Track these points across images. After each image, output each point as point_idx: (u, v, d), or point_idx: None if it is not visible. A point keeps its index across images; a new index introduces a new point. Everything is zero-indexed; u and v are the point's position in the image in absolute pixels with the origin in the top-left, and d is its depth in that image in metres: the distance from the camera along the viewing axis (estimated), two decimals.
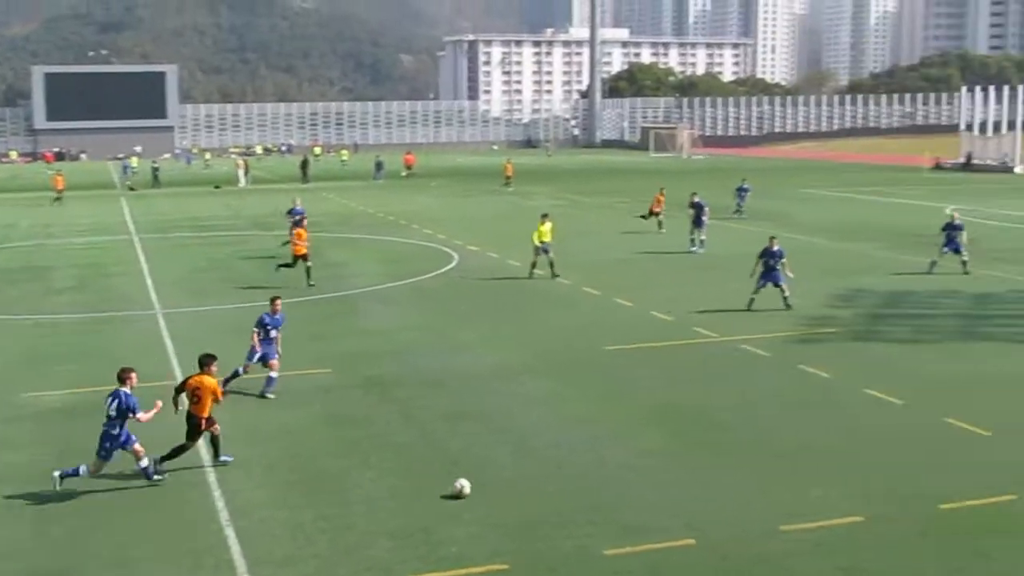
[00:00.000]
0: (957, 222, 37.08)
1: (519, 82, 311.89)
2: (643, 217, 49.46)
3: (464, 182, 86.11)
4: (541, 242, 35.40)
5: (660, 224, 48.34)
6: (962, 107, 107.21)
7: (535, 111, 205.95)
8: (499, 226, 52.10)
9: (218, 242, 47.46)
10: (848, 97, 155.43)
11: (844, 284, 34.08)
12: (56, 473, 15.99)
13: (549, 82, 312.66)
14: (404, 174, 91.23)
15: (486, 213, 59.30)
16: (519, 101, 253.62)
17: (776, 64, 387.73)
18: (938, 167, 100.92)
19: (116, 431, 16.06)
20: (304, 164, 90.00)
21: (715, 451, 17.59)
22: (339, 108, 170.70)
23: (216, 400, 16.89)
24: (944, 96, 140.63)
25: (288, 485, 16.25)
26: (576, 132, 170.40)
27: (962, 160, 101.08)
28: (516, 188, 75.86)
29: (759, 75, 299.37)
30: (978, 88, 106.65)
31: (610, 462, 17.07)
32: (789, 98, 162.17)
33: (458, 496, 15.38)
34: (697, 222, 42.56)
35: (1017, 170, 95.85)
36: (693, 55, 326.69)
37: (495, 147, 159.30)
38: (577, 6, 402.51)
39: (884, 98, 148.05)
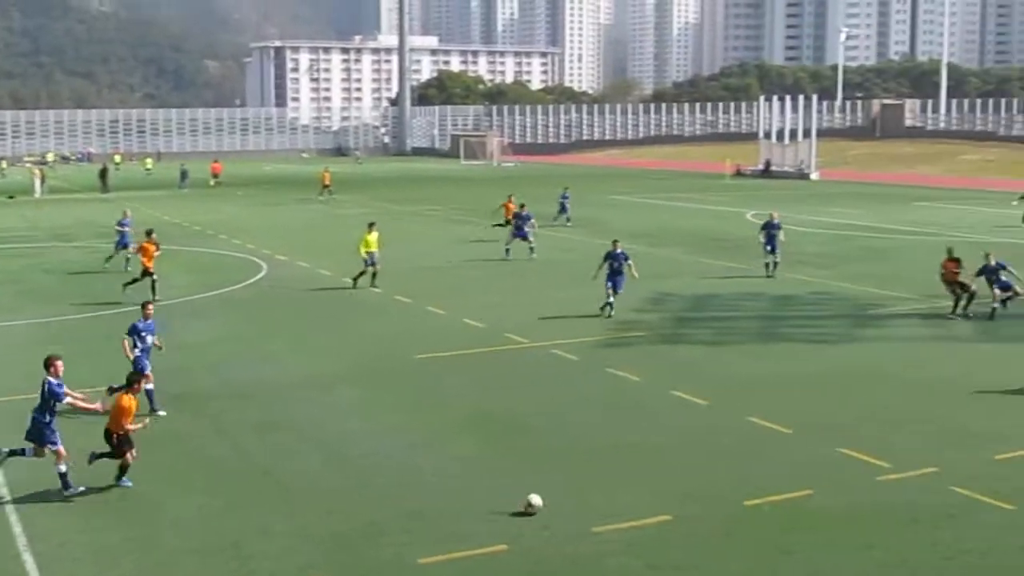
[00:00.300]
0: (776, 221, 38.65)
1: (328, 89, 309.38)
2: (498, 226, 48.82)
3: (273, 191, 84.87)
4: (368, 252, 35.03)
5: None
6: (760, 116, 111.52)
7: (345, 119, 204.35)
8: (309, 235, 51.60)
9: (14, 254, 45.57)
10: (653, 105, 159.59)
11: (652, 288, 34.91)
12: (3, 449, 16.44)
13: (359, 89, 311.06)
14: (212, 183, 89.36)
15: (296, 222, 58.59)
16: (328, 108, 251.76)
17: (583, 73, 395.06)
18: (739, 174, 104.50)
19: (46, 419, 16.20)
20: (103, 173, 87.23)
21: (527, 456, 17.80)
22: (141, 115, 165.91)
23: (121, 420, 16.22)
24: (744, 105, 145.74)
25: (91, 508, 15.69)
26: (387, 140, 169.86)
27: (761, 167, 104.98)
28: (327, 197, 75.15)
29: (567, 83, 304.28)
30: (775, 97, 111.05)
31: (424, 470, 17.08)
32: (596, 106, 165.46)
33: (529, 511, 15.02)
34: (519, 233, 42.92)
35: (813, 176, 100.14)
36: (502, 63, 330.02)
37: (304, 155, 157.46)
38: (386, 14, 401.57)
39: (687, 106, 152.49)
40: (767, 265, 38.15)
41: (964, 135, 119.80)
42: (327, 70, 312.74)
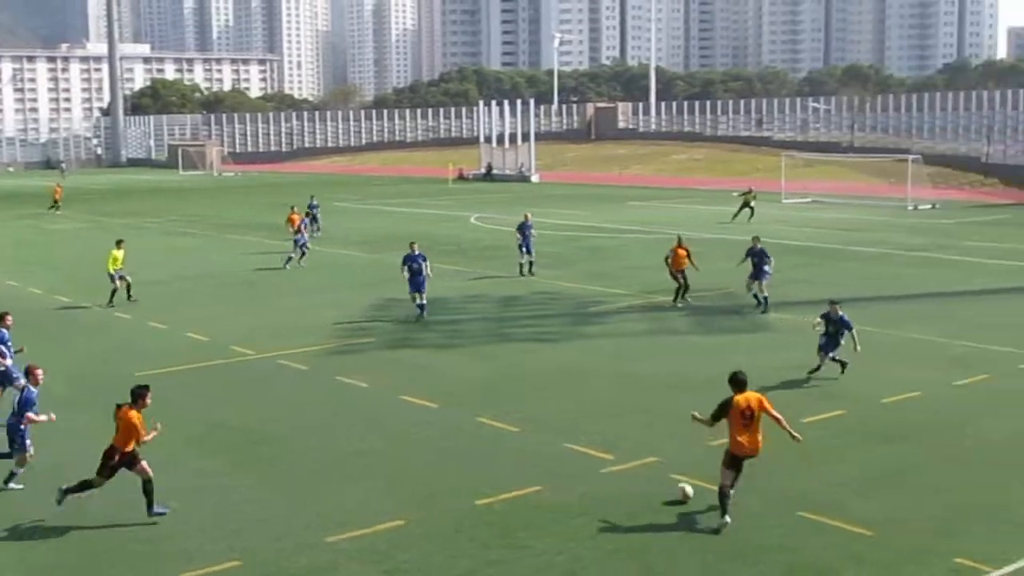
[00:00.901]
0: (529, 222, 40.08)
1: (34, 99, 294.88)
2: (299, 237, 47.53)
3: None
4: (115, 269, 33.65)
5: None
6: (480, 120, 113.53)
7: (53, 130, 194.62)
8: (18, 252, 49.02)
9: None
10: (374, 112, 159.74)
11: (379, 294, 35.04)
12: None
13: (67, 99, 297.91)
14: None
15: (2, 239, 55.49)
16: (35, 120, 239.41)
17: (303, 79, 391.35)
18: (462, 178, 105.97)
19: (22, 426, 16.63)
20: None
21: (259, 468, 17.49)
22: None
23: (138, 441, 15.27)
24: (464, 110, 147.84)
25: None
26: (100, 151, 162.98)
27: (483, 171, 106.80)
28: (36, 211, 71.51)
29: (287, 91, 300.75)
30: (494, 102, 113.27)
31: (157, 490, 16.49)
32: (317, 113, 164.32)
33: (684, 499, 15.48)
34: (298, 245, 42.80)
35: (534, 179, 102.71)
36: (219, 70, 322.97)
37: (11, 169, 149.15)
38: (94, 21, 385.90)
39: (408, 112, 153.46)
40: (522, 266, 39.30)
41: (673, 136, 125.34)
42: (32, 79, 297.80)
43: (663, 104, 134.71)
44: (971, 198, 78.09)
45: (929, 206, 68.83)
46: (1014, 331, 28.21)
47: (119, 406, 15.40)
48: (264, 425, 20.00)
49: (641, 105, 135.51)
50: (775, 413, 15.13)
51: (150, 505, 15.22)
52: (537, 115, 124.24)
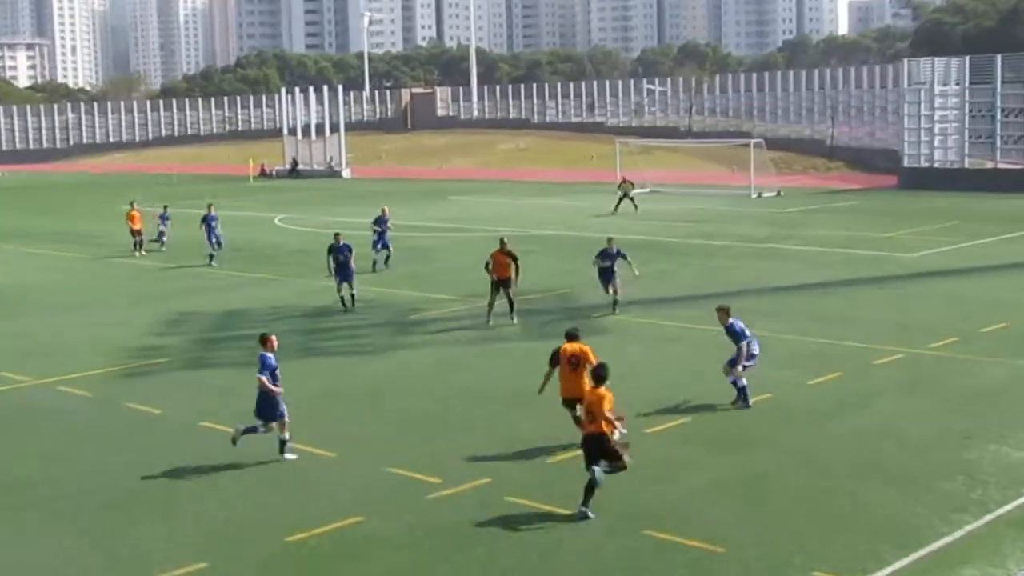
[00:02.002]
0: (386, 216, 42.00)
1: None
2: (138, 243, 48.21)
3: None
4: None
5: (138, 245, 48.07)
6: (283, 110, 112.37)
7: None
8: None
9: None
10: (162, 102, 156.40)
11: (170, 308, 34.39)
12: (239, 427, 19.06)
13: None
14: None
15: None
16: None
17: (79, 66, 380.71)
18: (264, 175, 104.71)
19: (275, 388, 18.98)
20: None
21: (38, 511, 16.84)
22: None
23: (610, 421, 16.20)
24: (264, 98, 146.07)
25: None
26: None
27: (288, 167, 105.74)
28: None
29: (60, 79, 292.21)
30: (297, 89, 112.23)
31: None
32: (96, 105, 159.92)
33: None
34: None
35: (345, 174, 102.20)
36: None
37: None
38: None
39: (201, 102, 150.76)
40: (375, 262, 40.91)
41: (498, 124, 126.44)
42: None
43: (485, 89, 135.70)
44: (816, 184, 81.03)
45: (773, 193, 71.07)
46: (864, 325, 29.29)
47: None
48: (43, 462, 19.29)
49: (462, 90, 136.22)
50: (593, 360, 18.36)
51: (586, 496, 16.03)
52: (347, 103, 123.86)
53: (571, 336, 19.43)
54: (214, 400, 23.25)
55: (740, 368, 21.36)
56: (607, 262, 31.53)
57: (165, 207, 51.96)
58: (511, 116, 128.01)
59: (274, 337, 19.62)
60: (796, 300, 33.86)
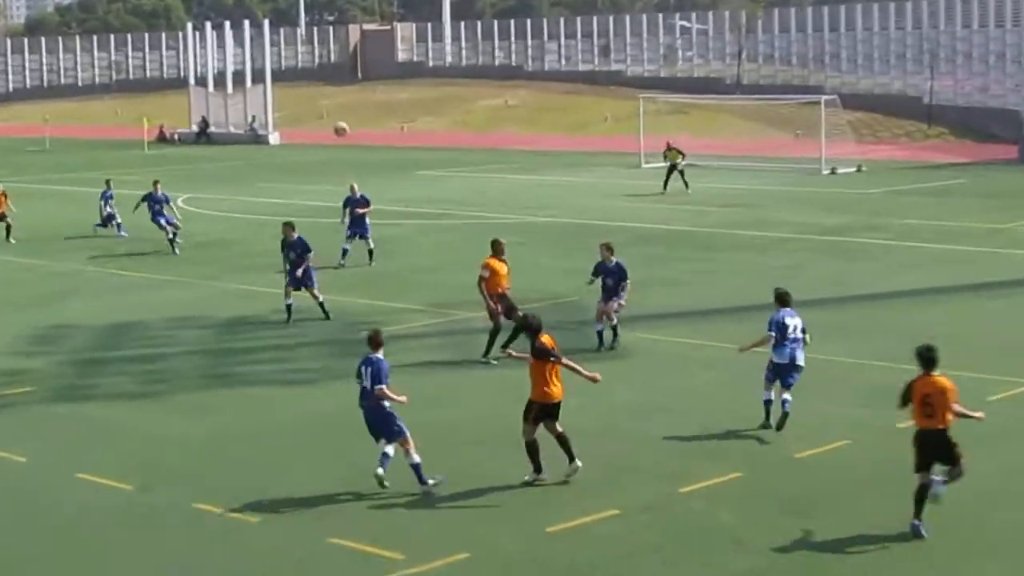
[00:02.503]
0: (359, 195, 42.82)
1: None
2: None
3: None
4: None
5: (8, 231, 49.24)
6: (189, 53, 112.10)
7: None
8: None
9: None
10: (27, 42, 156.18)
11: (34, 319, 34.39)
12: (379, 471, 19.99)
13: None
14: None
15: None
16: None
17: None
18: (164, 140, 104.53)
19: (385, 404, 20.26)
20: None
21: None
22: None
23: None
24: (164, 37, 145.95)
25: None
26: None
27: (196, 129, 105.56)
28: None
29: None
30: (209, 25, 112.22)
31: None
32: None
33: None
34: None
35: (272, 139, 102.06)
36: None
37: None
38: None
39: (79, 42, 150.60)
40: (345, 251, 42.05)
41: (478, 73, 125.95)
42: None
43: (463, 26, 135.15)
44: (909, 156, 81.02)
45: (852, 169, 70.97)
46: (972, 347, 29.05)
47: (910, 384, 18.42)
48: None
49: (430, 27, 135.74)
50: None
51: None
52: (275, 44, 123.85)
53: (534, 329, 20.88)
54: (93, 443, 23.19)
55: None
56: (608, 280, 30.20)
57: (108, 182, 52.20)
58: (496, 63, 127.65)
59: (381, 334, 21.04)
60: (880, 313, 33.84)
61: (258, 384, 27.60)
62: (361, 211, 42.23)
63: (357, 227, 42.25)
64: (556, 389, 20.39)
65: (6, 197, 50.04)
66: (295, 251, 33.80)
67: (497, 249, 29.94)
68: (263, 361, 29.89)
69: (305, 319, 33.79)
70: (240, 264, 42.92)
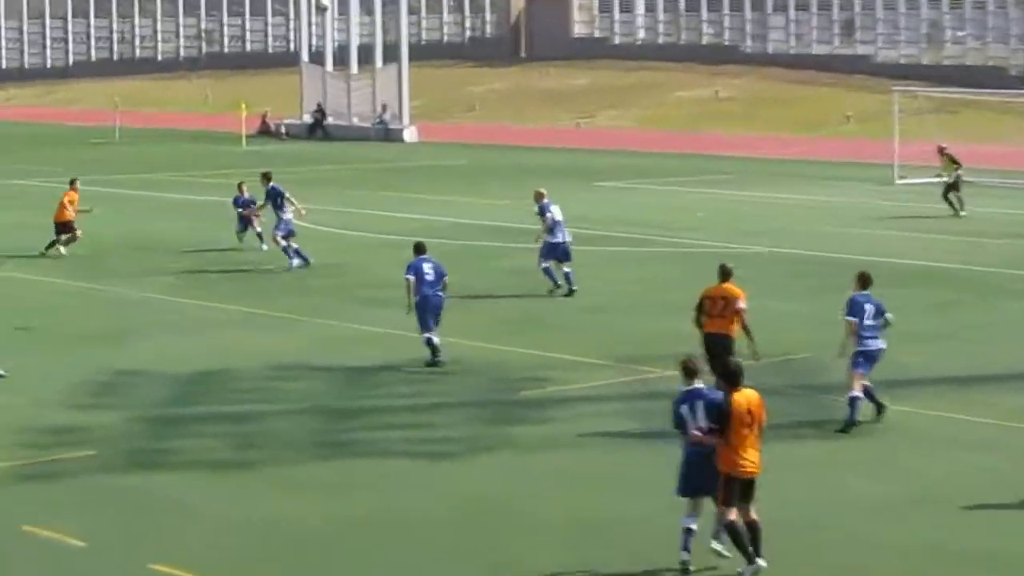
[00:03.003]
0: (546, 201, 44.24)
1: None
2: None
3: None
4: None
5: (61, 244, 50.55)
6: (303, 20, 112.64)
7: None
8: None
9: None
10: (92, 3, 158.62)
11: (100, 361, 34.69)
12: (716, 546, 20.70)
13: None
14: None
15: None
16: None
17: None
18: (268, 132, 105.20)
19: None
20: None
21: None
22: None
23: None
24: (271, 4, 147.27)
25: None
26: None
27: (309, 119, 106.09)
28: None
29: None
30: None
31: None
32: None
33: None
34: None
35: (408, 135, 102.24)
36: None
37: None
38: None
39: (160, 7, 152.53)
40: (546, 270, 43.00)
41: (679, 54, 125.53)
42: None
43: None
44: None
45: None
46: None
47: None
48: None
49: None
50: None
51: None
52: (414, 12, 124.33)
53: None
54: (173, 524, 23.36)
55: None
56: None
57: (241, 185, 53.18)
58: (703, 42, 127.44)
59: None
60: None
61: (384, 455, 27.55)
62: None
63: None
64: (750, 459, 20.60)
65: (71, 203, 51.07)
66: (432, 274, 34.73)
67: (724, 276, 30.93)
68: (391, 425, 29.89)
69: (447, 373, 33.80)
70: (360, 297, 43.11)
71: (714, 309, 30.27)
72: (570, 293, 42.88)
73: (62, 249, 49.93)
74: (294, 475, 26.28)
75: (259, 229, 49.97)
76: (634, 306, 41.48)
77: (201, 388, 32.76)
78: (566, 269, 43.03)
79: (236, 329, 39.14)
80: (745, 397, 20.68)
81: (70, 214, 50.65)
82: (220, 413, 30.62)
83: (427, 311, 34.20)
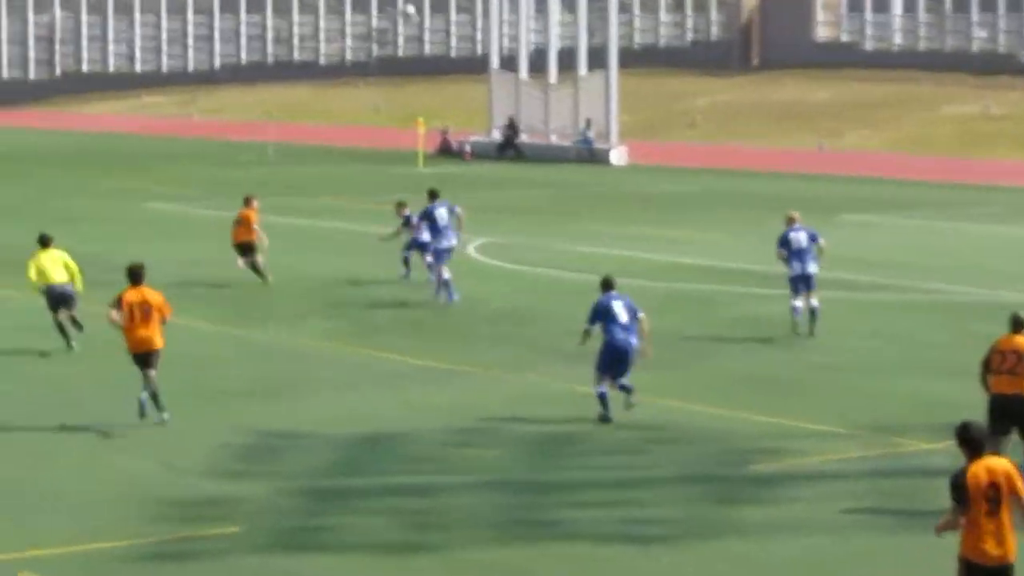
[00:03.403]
0: (799, 225, 45.82)
1: None
2: None
3: None
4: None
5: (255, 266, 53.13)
6: (493, 19, 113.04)
7: None
8: None
9: None
10: (244, 2, 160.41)
11: (252, 421, 34.97)
12: None
13: None
14: None
15: None
16: None
17: None
18: (447, 152, 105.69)
19: None
20: None
21: None
22: None
23: None
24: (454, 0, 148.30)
25: None
26: None
27: (498, 136, 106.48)
28: None
29: None
30: None
31: None
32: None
33: None
34: None
35: (615, 157, 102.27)
36: None
37: None
38: None
39: (324, 4, 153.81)
40: (796, 309, 43.76)
41: (943, 62, 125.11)
42: None
43: None
44: None
45: None
46: None
47: None
48: None
49: None
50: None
51: None
52: (625, 10, 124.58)
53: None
54: None
55: None
56: None
57: (401, 204, 54.36)
58: (973, 48, 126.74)
59: None
60: None
61: (582, 539, 27.44)
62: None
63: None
64: (996, 544, 19.69)
65: (249, 221, 53.35)
66: (623, 317, 35.30)
67: (1017, 327, 30.42)
68: (591, 503, 29.75)
69: (657, 441, 33.75)
70: (553, 348, 43.21)
71: (1004, 365, 29.78)
72: (810, 332, 43.97)
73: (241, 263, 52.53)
74: (475, 560, 26.31)
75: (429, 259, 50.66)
76: (883, 364, 41.13)
77: (366, 455, 32.87)
78: (813, 302, 43.62)
79: (407, 384, 39.19)
80: (986, 467, 19.69)
81: (248, 234, 53.05)
82: (387, 485, 30.70)
83: (613, 359, 34.23)
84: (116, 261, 52.48)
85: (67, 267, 43.68)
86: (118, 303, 34.61)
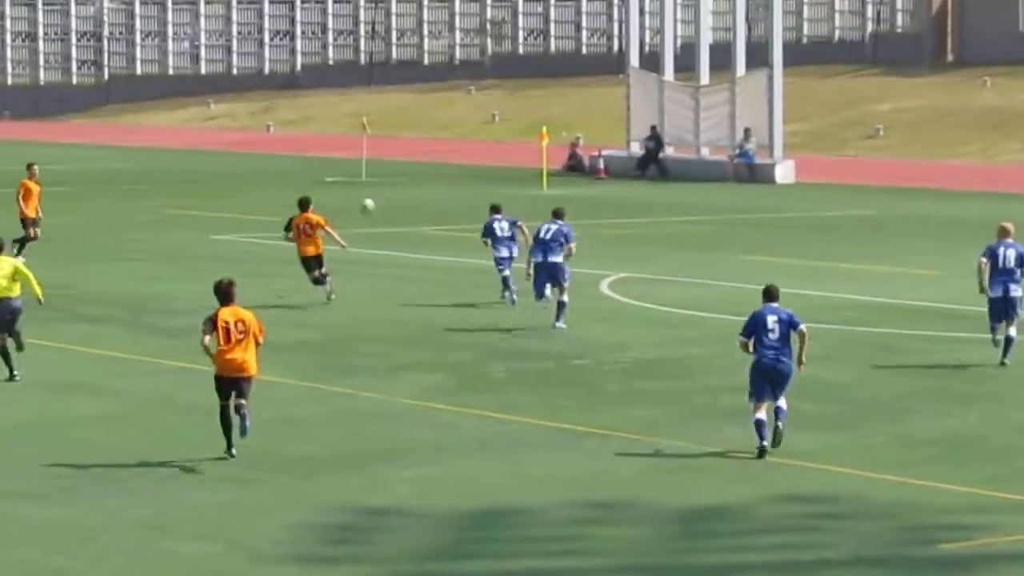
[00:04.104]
0: (1011, 240, 46.73)
1: None
2: None
3: None
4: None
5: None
6: (632, 11, 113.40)
7: None
8: None
9: None
10: None
11: (340, 494, 35.23)
12: None
13: None
14: None
15: None
16: None
17: None
18: (576, 169, 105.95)
19: None
20: None
21: None
22: None
23: None
24: None
25: None
26: None
27: (639, 148, 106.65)
28: None
29: None
30: None
31: None
32: None
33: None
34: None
35: (780, 173, 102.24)
36: None
37: None
38: None
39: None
40: (996, 341, 44.95)
41: None
42: None
43: None
44: None
45: None
46: None
47: None
48: None
49: None
50: None
51: None
52: (792, 3, 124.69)
53: None
54: None
55: None
56: None
57: (495, 207, 56.12)
58: None
59: None
60: None
61: None
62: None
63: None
64: None
65: (318, 224, 56.39)
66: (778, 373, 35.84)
67: None
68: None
69: (826, 514, 33.90)
70: (705, 406, 43.50)
71: None
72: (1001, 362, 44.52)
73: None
74: None
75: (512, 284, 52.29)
76: None
77: (480, 534, 33.00)
78: (1011, 332, 44.27)
79: (525, 450, 39.35)
80: None
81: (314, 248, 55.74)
82: (505, 570, 30.96)
83: (763, 378, 34.52)
84: (178, 306, 53.43)
85: (18, 274, 44.78)
86: (211, 323, 35.69)
